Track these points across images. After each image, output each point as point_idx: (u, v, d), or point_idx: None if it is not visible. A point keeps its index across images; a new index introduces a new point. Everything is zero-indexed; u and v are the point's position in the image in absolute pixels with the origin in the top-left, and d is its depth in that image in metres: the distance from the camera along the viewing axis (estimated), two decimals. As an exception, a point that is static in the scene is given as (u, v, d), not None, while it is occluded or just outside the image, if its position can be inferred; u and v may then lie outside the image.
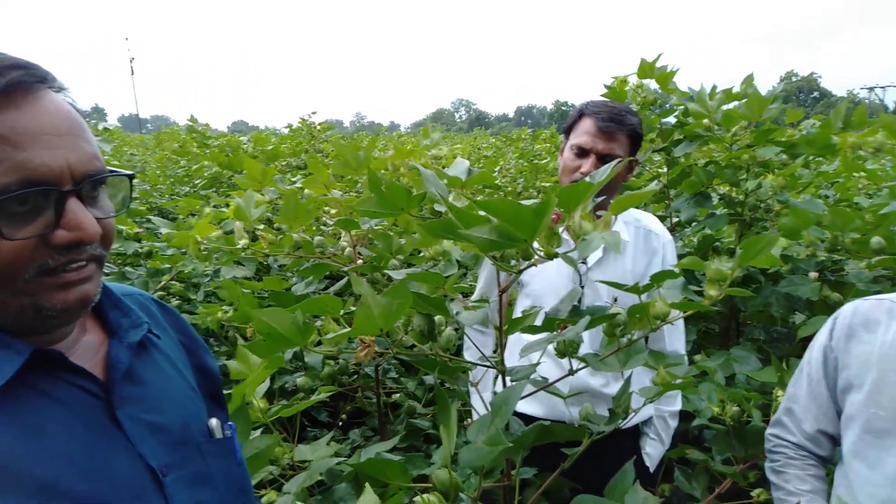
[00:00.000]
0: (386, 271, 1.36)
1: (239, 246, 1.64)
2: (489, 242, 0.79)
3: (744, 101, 2.37)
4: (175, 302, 2.63)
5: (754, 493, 1.67)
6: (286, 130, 6.59)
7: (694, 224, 2.66)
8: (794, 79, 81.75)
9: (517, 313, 1.70)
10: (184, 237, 1.82)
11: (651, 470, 1.78)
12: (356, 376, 2.18)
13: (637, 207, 1.94)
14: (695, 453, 1.83)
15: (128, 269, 2.62)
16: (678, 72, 2.59)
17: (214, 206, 2.50)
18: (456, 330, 1.33)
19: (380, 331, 0.77)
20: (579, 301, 1.62)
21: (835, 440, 1.31)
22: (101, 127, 3.41)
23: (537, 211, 0.75)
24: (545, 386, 1.20)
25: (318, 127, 5.66)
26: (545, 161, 5.44)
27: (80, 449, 0.69)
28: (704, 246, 2.61)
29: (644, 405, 1.21)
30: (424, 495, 0.73)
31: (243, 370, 1.26)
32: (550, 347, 1.60)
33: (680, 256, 2.52)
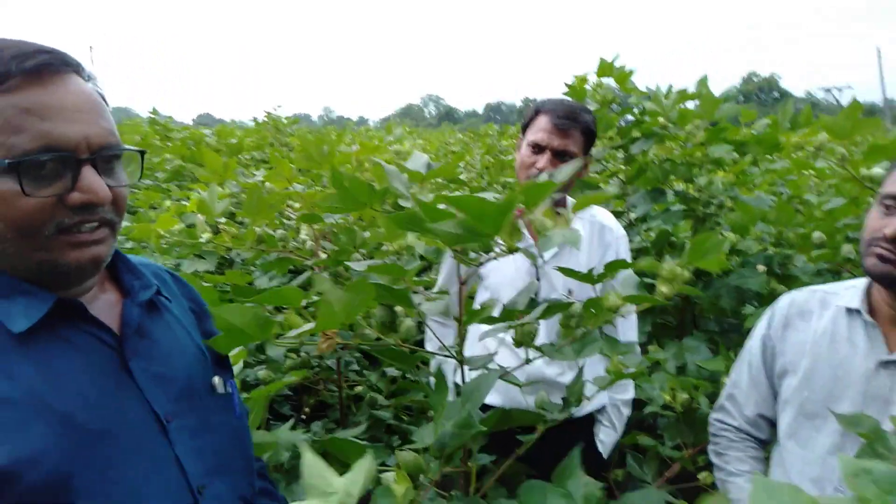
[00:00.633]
0: (348, 263, 1.39)
1: (202, 239, 1.64)
2: (454, 236, 0.82)
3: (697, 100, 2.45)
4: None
5: (701, 476, 1.76)
6: (252, 124, 6.53)
7: (650, 219, 2.74)
8: (755, 79, 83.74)
9: (476, 305, 1.74)
10: (145, 230, 1.81)
11: (605, 456, 1.85)
12: (318, 369, 2.20)
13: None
14: (646, 439, 1.91)
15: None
16: (635, 72, 2.67)
17: (176, 200, 2.48)
18: (419, 324, 1.36)
19: (340, 325, 0.79)
20: (536, 294, 1.67)
21: (772, 424, 1.39)
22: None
23: (502, 207, 0.78)
24: (502, 375, 1.24)
25: (285, 120, 5.62)
26: (511, 157, 5.50)
27: (94, 390, 0.79)
28: (660, 240, 2.69)
29: (597, 393, 1.27)
30: (391, 473, 0.77)
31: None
32: (508, 338, 1.64)
33: (637, 250, 2.61)
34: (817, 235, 2.05)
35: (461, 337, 1.12)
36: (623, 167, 3.08)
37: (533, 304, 1.13)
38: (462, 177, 4.56)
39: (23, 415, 0.73)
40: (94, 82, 0.83)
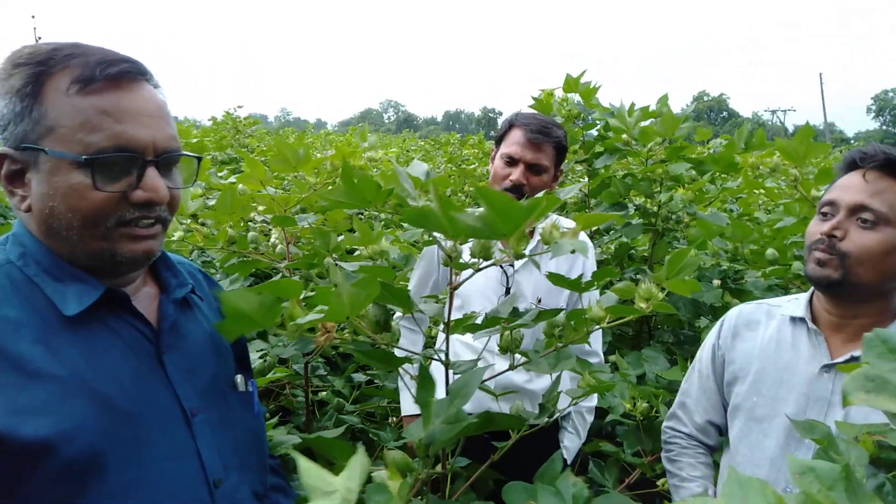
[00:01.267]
0: (338, 263, 1.39)
1: (174, 238, 1.62)
2: (472, 229, 0.83)
3: (658, 118, 2.55)
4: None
5: (660, 482, 1.82)
6: (209, 123, 6.40)
7: (611, 232, 2.83)
8: (705, 98, 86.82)
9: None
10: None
11: (569, 462, 1.89)
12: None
13: (560, 214, 2.06)
14: (608, 447, 1.96)
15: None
16: (601, 87, 2.75)
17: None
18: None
19: (346, 318, 0.80)
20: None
21: (720, 430, 1.46)
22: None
23: (526, 210, 0.80)
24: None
25: (244, 121, 5.54)
26: (473, 166, 5.56)
27: (130, 377, 0.84)
28: (621, 253, 2.78)
29: (569, 405, 1.30)
30: (382, 471, 0.78)
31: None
32: (477, 343, 1.66)
33: (599, 262, 2.68)
34: (770, 252, 2.16)
35: (448, 341, 1.14)
36: (581, 180, 3.17)
37: (515, 312, 1.16)
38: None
39: (67, 391, 0.78)
40: (160, 90, 0.90)
